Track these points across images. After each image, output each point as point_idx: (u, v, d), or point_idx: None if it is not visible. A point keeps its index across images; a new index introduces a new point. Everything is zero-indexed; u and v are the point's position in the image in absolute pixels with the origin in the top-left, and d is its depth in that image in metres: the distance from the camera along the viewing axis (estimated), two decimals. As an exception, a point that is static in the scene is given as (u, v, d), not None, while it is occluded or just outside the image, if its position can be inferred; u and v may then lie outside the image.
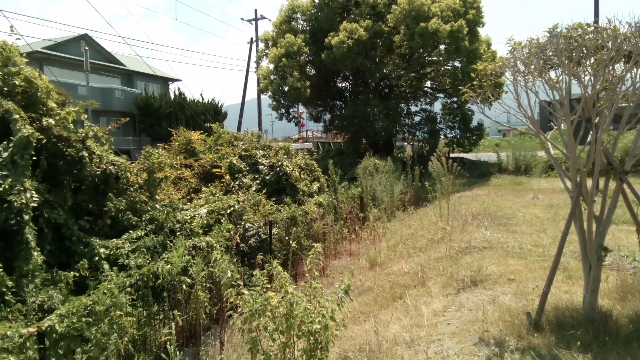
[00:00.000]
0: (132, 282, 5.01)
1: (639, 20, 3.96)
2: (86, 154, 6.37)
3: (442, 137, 26.81)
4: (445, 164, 10.86)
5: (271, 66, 24.54)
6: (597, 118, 4.43)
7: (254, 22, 36.50)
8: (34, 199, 5.37)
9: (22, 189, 5.22)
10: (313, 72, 26.01)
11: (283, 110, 26.79)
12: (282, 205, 9.84)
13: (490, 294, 5.64)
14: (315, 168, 13.45)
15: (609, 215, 4.51)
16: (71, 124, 6.59)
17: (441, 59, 22.86)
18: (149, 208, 7.08)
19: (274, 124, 62.60)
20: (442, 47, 22.08)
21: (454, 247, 8.03)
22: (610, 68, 4.17)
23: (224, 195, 9.26)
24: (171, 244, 6.47)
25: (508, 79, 4.91)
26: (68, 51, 31.54)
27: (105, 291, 4.51)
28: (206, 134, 13.21)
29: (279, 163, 11.71)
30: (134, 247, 6.27)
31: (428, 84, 27.92)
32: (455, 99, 25.02)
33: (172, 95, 34.98)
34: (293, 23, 25.37)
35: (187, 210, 7.65)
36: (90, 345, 4.21)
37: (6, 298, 4.58)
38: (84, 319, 4.20)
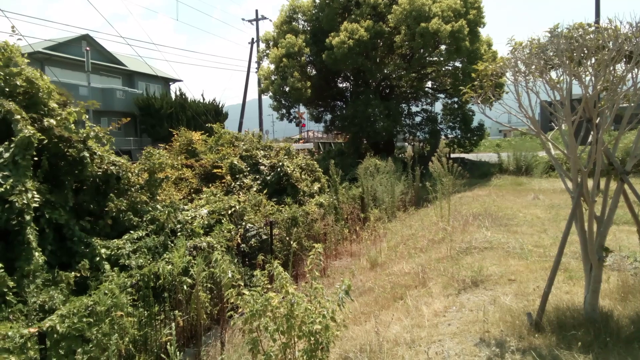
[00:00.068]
0: (133, 283, 5.01)
1: (639, 20, 3.96)
2: (87, 155, 6.38)
3: (442, 137, 26.81)
4: (446, 164, 10.85)
5: (272, 66, 24.56)
6: (598, 118, 4.43)
7: (254, 23, 36.51)
8: (35, 199, 5.38)
9: (23, 189, 5.23)
10: (314, 72, 26.02)
11: (284, 111, 26.80)
12: (283, 205, 9.85)
13: (491, 294, 5.64)
14: (316, 168, 13.45)
15: (610, 216, 4.50)
16: (72, 125, 6.60)
17: (442, 59, 22.87)
18: (150, 208, 7.09)
19: (274, 125, 62.62)
20: (442, 47, 22.08)
21: (454, 247, 8.03)
22: (611, 68, 4.17)
23: (225, 195, 9.26)
24: (172, 245, 6.47)
25: (509, 79, 4.91)
26: (69, 51, 31.59)
27: (106, 291, 4.51)
28: (207, 134, 13.22)
29: (280, 163, 11.71)
30: (135, 247, 6.27)
31: (429, 84, 27.92)
32: (456, 100, 25.01)
33: (173, 96, 35.01)
34: (294, 23, 25.37)
35: (188, 210, 7.65)
36: (91, 345, 4.22)
37: (7, 298, 4.59)
38: (85, 320, 4.21)
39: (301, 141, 42.64)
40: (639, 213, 4.77)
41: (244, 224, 8.01)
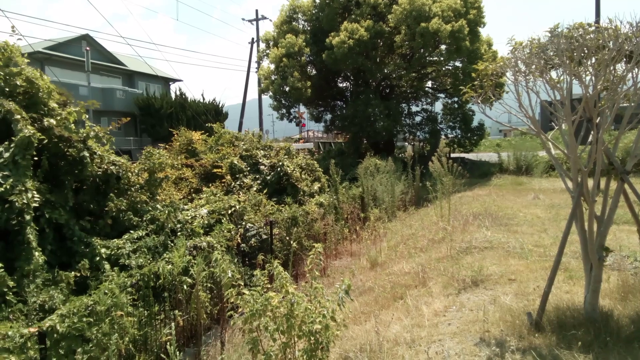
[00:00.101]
0: (133, 282, 5.01)
1: (639, 20, 3.96)
2: (87, 154, 6.38)
3: (443, 137, 26.81)
4: (446, 164, 10.85)
5: (272, 66, 24.56)
6: (598, 118, 4.43)
7: (254, 23, 36.51)
8: (35, 199, 5.38)
9: (23, 189, 5.23)
10: (314, 72, 26.02)
11: (284, 111, 26.80)
12: (283, 205, 9.85)
13: (491, 294, 5.64)
14: (316, 168, 13.45)
15: (610, 216, 4.50)
16: (72, 124, 6.60)
17: (442, 59, 22.87)
18: (150, 208, 7.09)
19: (274, 124, 62.64)
20: (443, 47, 22.08)
21: (454, 247, 8.03)
22: (612, 68, 4.17)
23: (225, 195, 9.26)
24: (172, 244, 6.47)
25: (509, 79, 4.90)
26: (69, 51, 31.59)
27: (106, 291, 4.51)
28: (207, 134, 13.22)
29: (280, 163, 11.71)
30: (135, 247, 6.27)
31: (429, 84, 27.92)
32: (456, 99, 25.01)
33: (173, 96, 35.01)
34: (294, 23, 25.37)
35: (188, 210, 7.65)
36: (91, 345, 4.22)
37: (7, 298, 4.59)
38: (85, 319, 4.21)
39: (301, 141, 42.65)
40: (639, 213, 4.77)
41: (244, 223, 8.01)
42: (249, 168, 11.67)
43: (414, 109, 27.89)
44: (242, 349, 4.86)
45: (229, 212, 8.01)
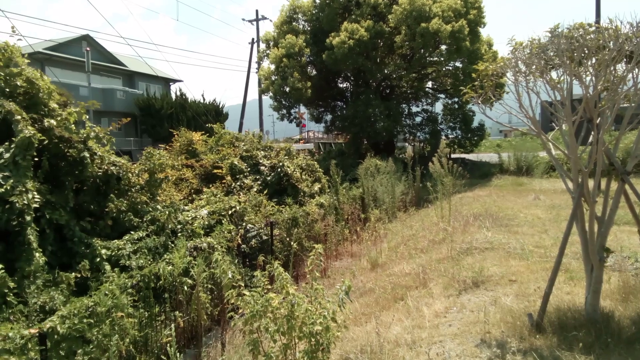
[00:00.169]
0: (134, 283, 5.01)
1: (640, 21, 3.96)
2: (87, 155, 6.38)
3: (443, 137, 26.78)
4: (447, 164, 10.84)
5: (272, 67, 24.56)
6: (599, 118, 4.42)
7: (255, 23, 36.51)
8: (36, 200, 5.38)
9: (23, 190, 5.23)
10: (314, 72, 26.02)
11: (284, 111, 26.80)
12: (283, 206, 9.84)
13: (492, 295, 5.63)
14: (316, 169, 13.45)
15: (611, 216, 4.50)
16: (73, 125, 6.60)
17: (442, 59, 22.86)
18: (150, 209, 7.08)
19: (275, 125, 62.58)
20: (443, 47, 22.07)
21: (455, 248, 8.02)
22: (612, 68, 4.16)
23: (225, 196, 9.25)
24: (172, 245, 6.47)
25: (509, 80, 4.90)
26: (69, 52, 31.60)
27: (106, 292, 4.51)
28: (207, 134, 13.21)
29: (280, 164, 11.71)
30: (135, 248, 6.27)
31: (429, 84, 27.91)
32: (456, 100, 25.00)
33: (173, 96, 35.01)
34: (294, 23, 25.37)
35: (188, 211, 7.65)
36: (91, 346, 4.21)
37: (8, 299, 4.58)
38: (85, 320, 4.20)
39: (301, 141, 42.64)
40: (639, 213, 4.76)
41: (244, 224, 8.00)
42: (249, 169, 11.67)
43: (414, 109, 27.90)
44: (243, 350, 4.85)
45: (230, 212, 8.01)
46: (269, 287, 3.96)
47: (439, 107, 27.59)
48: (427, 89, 27.76)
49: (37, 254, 5.10)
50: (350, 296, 3.82)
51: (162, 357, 4.88)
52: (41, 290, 4.96)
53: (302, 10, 25.20)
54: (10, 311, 4.51)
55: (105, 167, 6.72)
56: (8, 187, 5.08)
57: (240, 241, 7.36)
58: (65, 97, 7.20)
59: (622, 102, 4.38)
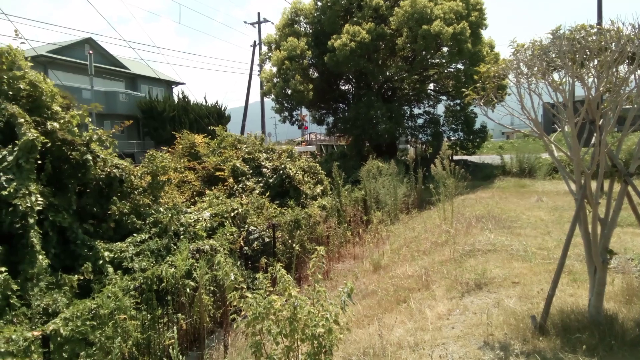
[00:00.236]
0: (136, 286, 5.01)
1: (642, 22, 3.95)
2: (90, 158, 6.40)
3: (445, 139, 26.80)
4: (449, 166, 10.84)
5: (274, 69, 24.62)
6: (601, 120, 4.41)
7: (257, 26, 36.55)
8: (39, 202, 5.39)
9: (27, 192, 5.25)
10: (316, 75, 26.07)
11: (286, 113, 26.85)
12: (285, 208, 9.85)
13: (495, 297, 5.61)
14: (318, 171, 13.46)
15: (614, 218, 4.48)
16: (75, 128, 6.63)
17: (444, 61, 22.88)
18: (153, 211, 7.10)
19: (277, 127, 62.69)
20: (444, 49, 22.09)
21: (458, 250, 8.01)
22: (614, 70, 4.16)
23: (228, 198, 9.27)
24: (175, 247, 6.48)
25: (511, 81, 4.90)
26: (72, 55, 31.72)
27: (109, 295, 4.51)
28: (210, 137, 13.24)
29: (282, 166, 11.72)
30: (138, 250, 6.28)
31: (431, 86, 27.94)
32: (458, 102, 25.00)
33: (175, 99, 35.06)
34: (296, 26, 25.43)
35: (190, 213, 7.66)
36: (94, 348, 4.22)
37: (11, 301, 4.60)
38: (88, 323, 4.21)
39: (303, 144, 42.69)
40: (643, 215, 4.74)
41: (246, 226, 8.01)
42: (251, 171, 11.68)
43: (416, 111, 27.94)
44: (246, 353, 4.85)
45: (232, 215, 8.01)
46: (271, 289, 3.96)
47: (440, 109, 27.64)
48: (429, 91, 27.78)
49: (40, 257, 5.11)
50: (353, 298, 3.82)
51: (165, 359, 4.88)
52: (44, 293, 4.98)
53: (304, 13, 25.26)
54: (13, 313, 4.52)
55: (108, 170, 6.74)
56: (11, 190, 5.10)
57: (242, 243, 7.36)
58: (68, 100, 7.23)
59: (624, 103, 4.37)
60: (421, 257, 8.41)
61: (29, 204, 5.18)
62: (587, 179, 4.46)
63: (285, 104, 25.92)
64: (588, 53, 4.16)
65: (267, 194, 10.45)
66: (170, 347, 4.25)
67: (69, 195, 6.16)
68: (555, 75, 4.55)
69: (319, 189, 12.43)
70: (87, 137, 6.63)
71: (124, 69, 36.38)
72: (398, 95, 26.60)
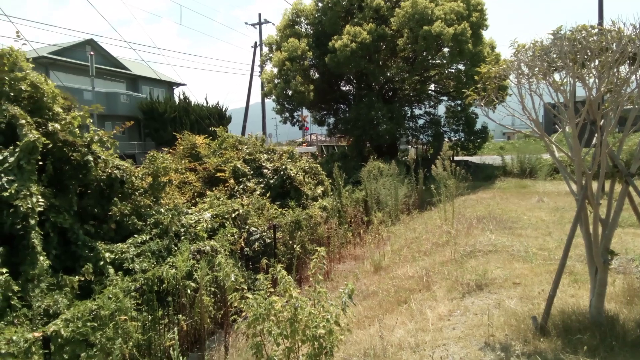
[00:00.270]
0: (137, 287, 5.02)
1: (643, 23, 3.95)
2: (91, 159, 6.40)
3: (446, 140, 26.80)
4: (450, 167, 10.83)
5: (275, 70, 24.64)
6: (602, 120, 4.41)
7: (258, 27, 36.59)
8: (40, 203, 5.40)
9: (28, 193, 5.25)
10: (317, 75, 26.08)
11: (287, 114, 26.87)
12: (286, 209, 9.84)
13: (496, 298, 5.61)
14: (319, 171, 13.45)
15: (615, 218, 4.47)
16: (77, 129, 6.63)
17: (445, 62, 22.88)
18: (154, 212, 7.10)
19: (278, 128, 62.68)
20: (445, 50, 22.09)
21: (459, 250, 8.00)
22: (615, 70, 4.15)
23: (228, 199, 9.27)
24: (176, 248, 6.48)
25: (512, 82, 4.89)
26: (74, 56, 31.78)
27: (110, 296, 4.52)
28: (210, 138, 13.25)
29: (283, 167, 11.72)
30: (138, 251, 6.29)
31: (432, 87, 27.93)
32: (459, 102, 25.00)
33: (176, 100, 35.12)
34: (297, 27, 25.46)
35: (191, 214, 7.67)
36: (95, 349, 4.22)
37: (12, 303, 4.60)
38: (89, 324, 4.21)
39: (304, 144, 42.72)
40: (644, 216, 4.73)
41: (247, 227, 8.01)
42: (252, 172, 11.68)
43: (417, 112, 27.94)
44: (246, 354, 4.85)
45: (233, 216, 8.02)
46: (272, 290, 3.96)
47: (441, 109, 27.64)
48: (429, 92, 27.78)
49: (41, 258, 5.12)
50: (354, 299, 3.81)
51: (166, 360, 4.88)
52: (45, 294, 4.98)
53: (305, 14, 25.28)
54: (14, 315, 4.53)
55: (109, 171, 6.74)
56: (13, 191, 5.11)
57: (243, 244, 7.36)
58: (69, 101, 7.24)
59: (625, 104, 4.36)
60: (422, 258, 8.40)
61: (30, 205, 5.19)
62: (588, 180, 4.46)
63: (286, 105, 25.94)
64: (589, 53, 4.16)
65: (267, 195, 10.46)
66: (171, 348, 4.25)
67: (70, 197, 6.16)
68: (556, 76, 4.54)
69: (319, 189, 12.43)
70: (88, 138, 6.64)
71: (125, 70, 36.45)
72: (399, 96, 26.60)
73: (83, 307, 4.30)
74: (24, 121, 5.71)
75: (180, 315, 5.45)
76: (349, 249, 10.93)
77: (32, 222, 5.20)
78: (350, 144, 27.16)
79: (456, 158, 25.31)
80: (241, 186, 10.86)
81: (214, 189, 10.28)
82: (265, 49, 27.46)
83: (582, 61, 4.15)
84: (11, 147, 5.50)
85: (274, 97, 25.21)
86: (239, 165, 11.29)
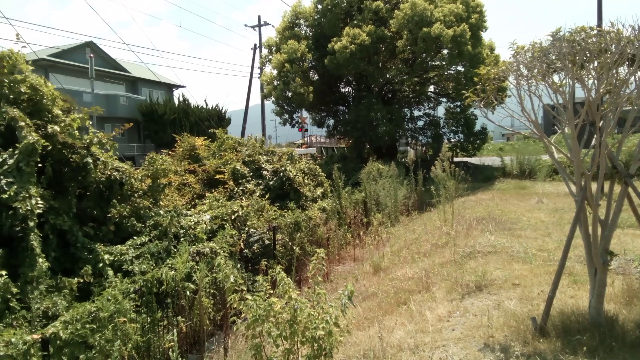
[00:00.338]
0: (136, 289, 5.01)
1: (642, 24, 3.96)
2: (91, 161, 6.40)
3: (445, 141, 26.83)
4: (449, 168, 10.83)
5: (274, 72, 24.66)
6: (601, 121, 4.42)
7: (257, 29, 36.65)
8: (39, 205, 5.40)
9: (27, 195, 5.25)
10: (316, 77, 26.11)
11: (286, 116, 26.88)
12: (285, 210, 9.84)
13: (495, 299, 5.61)
14: (318, 173, 13.46)
15: (614, 219, 4.48)
16: (76, 131, 6.63)
17: (444, 63, 22.91)
18: (153, 214, 7.10)
19: (277, 130, 62.79)
20: (445, 51, 22.11)
21: (458, 252, 8.00)
22: (614, 71, 4.16)
23: (228, 200, 9.27)
24: (175, 250, 6.48)
25: (511, 83, 4.90)
26: (73, 58, 31.80)
27: (109, 297, 4.51)
28: (210, 139, 13.26)
29: (283, 168, 11.72)
30: (138, 253, 6.28)
31: (431, 88, 27.97)
32: (458, 104, 25.03)
33: (176, 102, 35.16)
34: (296, 29, 25.49)
35: (191, 216, 7.66)
36: (94, 351, 4.21)
37: (11, 305, 4.59)
38: (88, 326, 4.20)
39: (304, 146, 42.73)
40: (643, 216, 4.73)
41: (246, 229, 8.00)
42: (251, 173, 11.69)
43: (416, 113, 27.98)
44: (245, 355, 4.84)
45: (232, 217, 8.01)
46: (271, 291, 3.95)
47: (441, 111, 27.66)
48: (429, 93, 27.82)
49: (40, 260, 5.11)
50: (353, 301, 3.81)
51: (165, 362, 4.87)
52: (44, 296, 4.97)
53: (304, 16, 25.32)
54: (13, 317, 4.52)
55: (109, 173, 6.74)
56: (12, 193, 5.11)
57: (242, 246, 7.35)
58: (68, 103, 7.23)
59: (624, 105, 4.37)
60: (421, 259, 8.40)
61: (29, 207, 5.19)
62: (587, 181, 4.46)
63: (286, 107, 25.95)
64: (588, 55, 4.16)
65: (267, 197, 10.45)
66: (170, 350, 4.24)
67: (69, 198, 6.16)
68: (555, 77, 4.55)
69: (319, 191, 12.42)
70: (88, 140, 6.64)
71: (124, 72, 36.47)
72: (398, 98, 26.63)
73: (82, 309, 4.30)
74: (23, 123, 5.71)
75: (180, 317, 5.44)
76: (349, 251, 10.93)
77: (31, 224, 5.19)
78: (349, 146, 27.17)
79: (455, 159, 25.33)
80: (240, 188, 10.86)
81: (213, 190, 10.28)
82: (265, 51, 27.51)
83: (581, 62, 4.16)
84: (10, 149, 5.50)
85: (273, 98, 25.23)
86: (238, 167, 11.29)
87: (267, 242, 8.02)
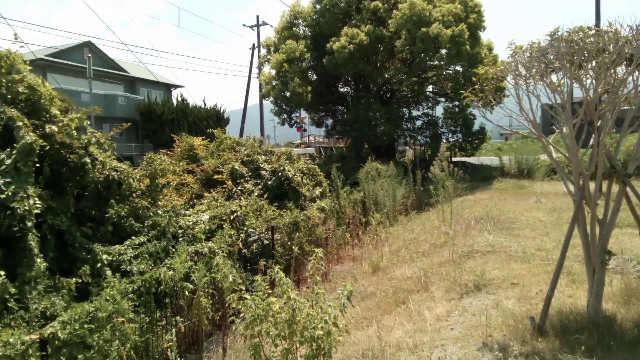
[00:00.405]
0: (135, 289, 5.00)
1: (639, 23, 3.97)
2: (89, 161, 6.39)
3: (444, 141, 26.81)
4: (448, 168, 10.84)
5: (273, 72, 24.64)
6: (599, 121, 4.42)
7: (255, 29, 36.65)
8: (37, 205, 5.38)
9: (25, 195, 5.24)
10: (315, 77, 26.10)
11: (285, 116, 26.86)
12: (284, 210, 9.84)
13: (494, 298, 5.61)
14: (317, 173, 13.45)
15: (613, 219, 4.49)
16: (74, 131, 6.61)
17: (442, 63, 22.91)
18: (152, 214, 7.09)
19: (276, 130, 62.74)
20: (443, 51, 22.12)
21: (456, 251, 8.01)
22: (612, 71, 4.17)
23: (226, 200, 9.26)
24: (173, 250, 6.47)
25: (509, 83, 4.91)
26: (71, 58, 31.75)
27: (107, 298, 4.50)
28: (208, 139, 13.24)
29: (281, 168, 11.72)
30: (136, 253, 6.27)
31: (430, 88, 27.97)
32: (457, 103, 25.05)
33: (174, 102, 35.13)
34: (294, 29, 25.48)
35: (189, 216, 7.65)
36: (92, 352, 4.20)
37: (9, 305, 4.58)
38: (86, 326, 4.19)
39: (302, 146, 42.71)
40: (641, 216, 4.74)
41: (245, 229, 8.00)
42: (250, 173, 11.68)
43: (414, 113, 27.94)
44: (244, 355, 4.84)
45: (231, 217, 8.01)
46: (270, 291, 3.95)
47: (439, 110, 27.66)
48: (427, 93, 27.82)
49: (38, 260, 5.10)
50: (352, 300, 3.81)
51: (164, 362, 4.87)
52: (42, 296, 4.96)
53: (303, 16, 25.31)
54: (11, 317, 4.51)
55: (107, 173, 6.73)
56: (9, 193, 5.09)
57: (241, 246, 7.35)
58: (66, 103, 7.22)
59: (622, 104, 4.38)
60: (420, 259, 8.41)
61: (27, 207, 5.17)
62: (585, 180, 4.47)
63: (284, 107, 25.93)
64: (586, 54, 4.17)
65: (265, 196, 10.45)
66: (169, 350, 4.24)
67: (67, 198, 6.15)
68: (554, 77, 4.56)
69: (317, 191, 12.42)
70: (86, 140, 6.63)
71: (123, 72, 36.43)
72: (397, 97, 26.63)
73: (80, 309, 4.29)
74: (21, 123, 5.70)
75: (178, 317, 5.44)
76: (347, 250, 10.93)
77: (29, 224, 5.18)
78: (348, 145, 27.16)
79: (454, 159, 25.33)
80: (239, 187, 10.85)
81: (211, 190, 10.27)
82: (264, 51, 27.49)
83: (579, 62, 4.17)
84: (8, 149, 5.48)
85: (272, 98, 25.21)
86: (237, 167, 11.29)
87: (266, 241, 8.02)
